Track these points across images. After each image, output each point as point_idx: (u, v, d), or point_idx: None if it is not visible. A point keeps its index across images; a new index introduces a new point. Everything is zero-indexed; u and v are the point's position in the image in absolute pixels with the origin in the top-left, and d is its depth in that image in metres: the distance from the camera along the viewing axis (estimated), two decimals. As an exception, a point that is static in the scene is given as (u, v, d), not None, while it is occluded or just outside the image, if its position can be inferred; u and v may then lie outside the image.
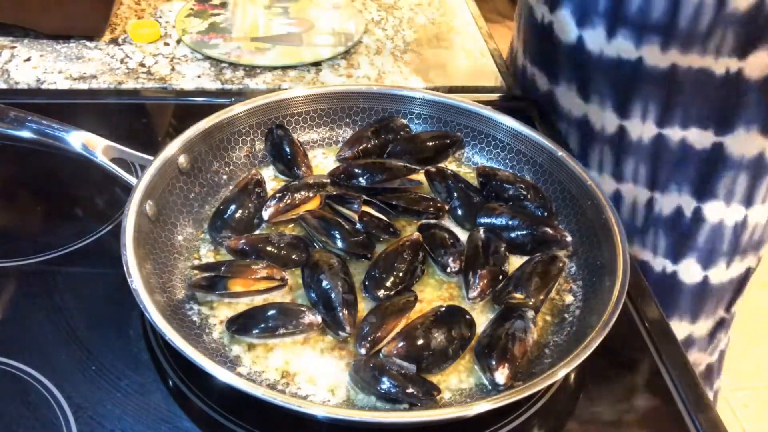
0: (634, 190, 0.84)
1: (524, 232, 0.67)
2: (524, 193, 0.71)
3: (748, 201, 0.83)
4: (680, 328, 0.90)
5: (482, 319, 0.61)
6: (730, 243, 0.85)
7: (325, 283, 0.59)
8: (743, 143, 0.78)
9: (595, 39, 0.79)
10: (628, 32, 0.76)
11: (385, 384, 0.53)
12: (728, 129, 0.78)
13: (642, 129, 0.81)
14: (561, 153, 0.72)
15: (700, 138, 0.79)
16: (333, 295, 0.59)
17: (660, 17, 0.73)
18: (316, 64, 0.97)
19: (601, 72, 0.81)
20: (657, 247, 0.86)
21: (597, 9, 0.77)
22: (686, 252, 0.86)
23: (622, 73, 0.79)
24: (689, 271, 0.87)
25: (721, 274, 0.87)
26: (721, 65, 0.74)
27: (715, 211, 0.83)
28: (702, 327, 0.91)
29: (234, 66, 0.95)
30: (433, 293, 0.63)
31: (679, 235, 0.85)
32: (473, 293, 0.62)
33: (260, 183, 0.70)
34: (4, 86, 0.88)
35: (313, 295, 0.60)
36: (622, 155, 0.83)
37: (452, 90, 0.95)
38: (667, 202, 0.84)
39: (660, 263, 0.87)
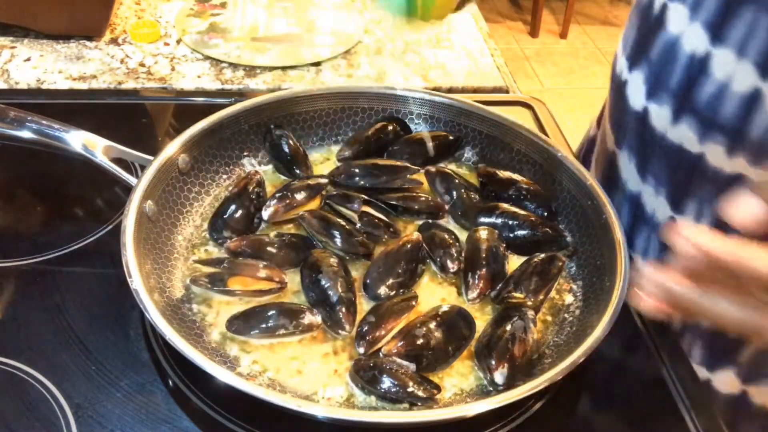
0: None
1: (524, 232, 0.67)
2: (524, 193, 0.71)
3: None
4: None
5: (482, 319, 0.61)
6: None
7: (324, 282, 0.59)
8: None
9: (661, 117, 0.69)
10: (693, 122, 0.66)
11: (386, 383, 0.53)
12: None
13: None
14: (561, 153, 0.72)
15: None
16: (332, 295, 0.59)
17: (729, 118, 0.63)
18: (316, 64, 0.97)
19: (662, 155, 0.71)
20: (691, 353, 0.75)
21: (668, 85, 0.67)
22: (724, 365, 0.74)
23: (682, 165, 0.69)
24: (726, 383, 0.75)
25: (765, 396, 0.75)
26: None
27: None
28: None
29: (234, 66, 0.95)
30: (432, 293, 0.63)
31: (719, 348, 0.74)
32: (472, 294, 0.62)
33: (260, 183, 0.70)
34: (4, 86, 0.88)
35: (312, 294, 0.60)
36: (669, 250, 0.73)
37: (452, 90, 0.95)
38: None
39: None
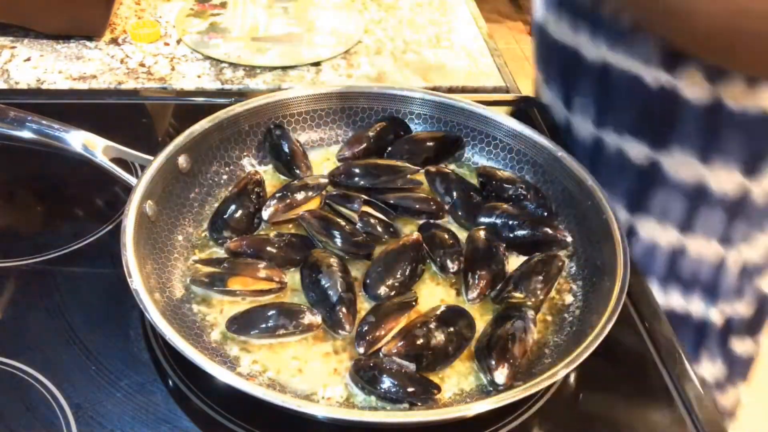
0: None
1: (524, 232, 0.67)
2: (524, 193, 0.71)
3: (685, 227, 0.75)
4: None
5: (482, 319, 0.61)
6: (666, 266, 0.77)
7: (323, 282, 0.59)
8: (680, 166, 0.72)
9: (549, 19, 0.78)
10: (567, 15, 0.74)
11: (386, 383, 0.53)
12: (663, 147, 0.72)
13: (584, 127, 0.77)
14: (561, 153, 0.72)
15: (635, 150, 0.74)
16: (332, 295, 0.59)
17: (588, 1, 0.71)
18: (316, 64, 0.97)
19: (555, 55, 0.79)
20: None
21: None
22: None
23: (568, 61, 0.76)
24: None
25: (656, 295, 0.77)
26: (653, 77, 0.68)
27: (648, 229, 0.77)
28: None
29: (234, 66, 0.95)
30: (432, 293, 0.63)
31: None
32: (472, 294, 0.62)
33: (260, 183, 0.70)
34: (4, 86, 0.88)
35: (312, 294, 0.60)
36: (569, 149, 0.76)
37: (452, 90, 0.95)
38: None
39: None
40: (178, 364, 0.57)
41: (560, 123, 0.83)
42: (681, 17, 0.57)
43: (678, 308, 0.79)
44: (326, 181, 0.70)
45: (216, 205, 0.69)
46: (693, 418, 0.57)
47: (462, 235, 0.68)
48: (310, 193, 0.68)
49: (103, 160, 0.66)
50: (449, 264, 0.63)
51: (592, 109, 0.75)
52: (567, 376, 0.52)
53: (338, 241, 0.64)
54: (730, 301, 0.79)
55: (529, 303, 0.60)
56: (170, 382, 0.56)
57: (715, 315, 0.79)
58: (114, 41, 0.98)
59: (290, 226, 0.68)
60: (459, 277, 0.64)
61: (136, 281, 0.55)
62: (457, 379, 0.57)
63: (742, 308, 0.80)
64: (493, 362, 0.55)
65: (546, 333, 0.61)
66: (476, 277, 0.62)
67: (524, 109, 0.90)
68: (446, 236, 0.66)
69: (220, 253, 0.65)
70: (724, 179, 0.71)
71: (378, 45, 1.03)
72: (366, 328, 0.57)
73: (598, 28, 0.71)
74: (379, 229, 0.66)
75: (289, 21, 1.05)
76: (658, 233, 0.76)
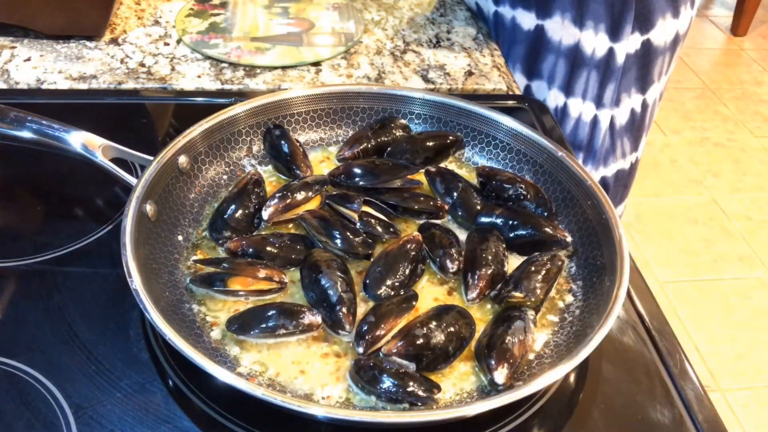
0: None
1: (524, 232, 0.67)
2: (524, 193, 0.71)
3: (567, 90, 0.93)
4: None
5: (482, 319, 0.61)
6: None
7: (323, 282, 0.59)
8: (560, 30, 0.89)
9: None
10: None
11: (386, 383, 0.53)
12: (547, 14, 0.89)
13: (486, 6, 0.97)
14: (561, 153, 0.72)
15: (525, 19, 0.91)
16: (332, 295, 0.59)
17: None
18: (316, 64, 0.97)
19: None
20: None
21: None
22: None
23: None
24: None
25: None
26: None
27: (540, 91, 0.95)
28: None
29: (234, 66, 0.95)
30: (432, 293, 0.63)
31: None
32: (472, 294, 0.62)
33: (260, 183, 0.70)
34: (4, 86, 0.88)
35: (312, 294, 0.60)
36: (481, 26, 0.97)
37: (452, 90, 0.95)
38: None
39: None
40: (178, 364, 0.57)
41: (471, 6, 1.07)
42: None
43: None
44: (326, 181, 0.70)
45: (216, 205, 0.69)
46: (693, 418, 0.57)
47: (462, 235, 0.68)
48: (310, 193, 0.68)
49: (103, 160, 0.66)
50: (449, 264, 0.64)
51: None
52: (567, 376, 0.52)
53: (338, 241, 0.64)
54: (605, 163, 0.99)
55: (529, 303, 0.60)
56: (170, 382, 0.56)
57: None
58: (114, 41, 0.98)
59: (290, 226, 0.68)
60: (459, 277, 0.64)
61: (136, 281, 0.55)
62: (457, 379, 0.57)
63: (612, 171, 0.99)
64: (493, 362, 0.55)
65: (546, 333, 0.61)
66: (476, 277, 0.62)
67: (524, 109, 0.90)
68: (445, 236, 0.66)
69: (220, 253, 0.65)
70: (594, 41, 0.89)
71: (378, 45, 1.03)
72: (366, 328, 0.57)
73: None
74: (379, 229, 0.66)
75: (289, 21, 1.05)
76: (546, 95, 0.95)
